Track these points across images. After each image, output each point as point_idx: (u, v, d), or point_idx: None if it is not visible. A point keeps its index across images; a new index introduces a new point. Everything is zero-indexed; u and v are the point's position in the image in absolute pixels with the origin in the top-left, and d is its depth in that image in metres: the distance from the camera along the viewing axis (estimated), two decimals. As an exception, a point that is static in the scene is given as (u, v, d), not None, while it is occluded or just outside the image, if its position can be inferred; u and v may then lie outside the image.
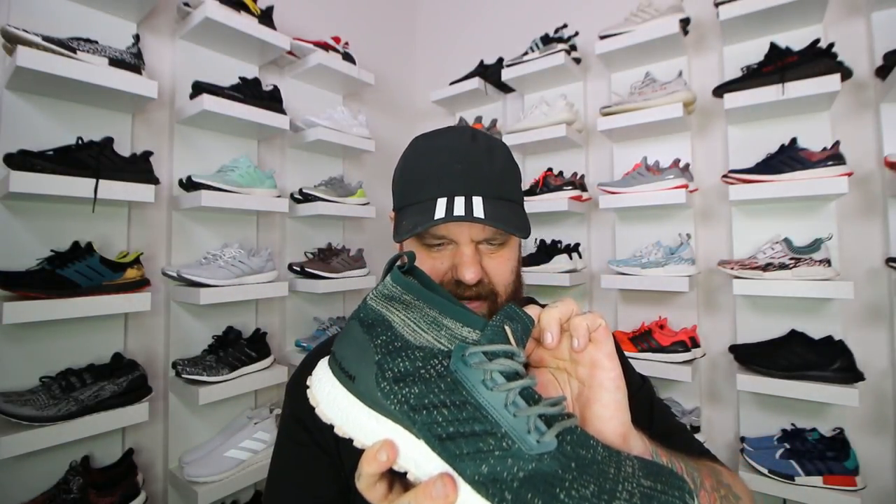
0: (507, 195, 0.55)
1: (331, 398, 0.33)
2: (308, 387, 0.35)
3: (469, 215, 0.49)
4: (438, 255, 0.55)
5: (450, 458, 0.28)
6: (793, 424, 1.31)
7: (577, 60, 1.76)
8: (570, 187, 1.66)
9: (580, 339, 0.36)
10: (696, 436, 1.39)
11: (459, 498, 0.27)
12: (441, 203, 0.51)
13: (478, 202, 0.51)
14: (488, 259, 0.55)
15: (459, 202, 0.50)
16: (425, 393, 0.30)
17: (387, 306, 0.34)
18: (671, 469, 0.30)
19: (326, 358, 0.37)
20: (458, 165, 0.54)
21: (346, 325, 0.37)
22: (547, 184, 1.69)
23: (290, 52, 1.63)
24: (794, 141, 1.32)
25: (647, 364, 1.41)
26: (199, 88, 1.32)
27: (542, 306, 0.69)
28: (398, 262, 0.37)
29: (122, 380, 1.14)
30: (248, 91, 1.42)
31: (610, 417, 0.35)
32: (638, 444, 0.36)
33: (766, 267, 1.30)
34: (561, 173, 1.75)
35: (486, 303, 0.54)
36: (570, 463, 0.28)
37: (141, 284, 1.19)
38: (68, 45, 1.06)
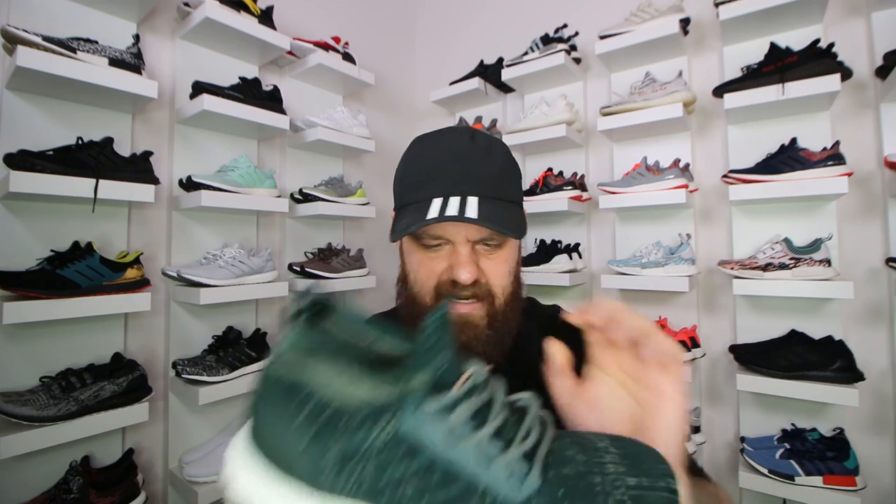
0: (504, 195, 0.55)
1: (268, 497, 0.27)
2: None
3: (461, 215, 0.49)
4: (435, 255, 0.55)
5: None
6: (793, 424, 1.31)
7: (577, 60, 1.76)
8: (570, 187, 1.66)
9: (650, 350, 0.35)
10: (696, 436, 1.40)
11: None
12: (436, 203, 0.51)
13: (472, 202, 0.50)
14: (485, 260, 0.55)
15: (454, 202, 0.50)
16: (380, 470, 0.25)
17: (303, 364, 0.27)
18: (647, 449, 0.30)
19: (245, 436, 0.29)
20: (456, 165, 0.54)
21: (257, 391, 0.28)
22: (547, 184, 1.69)
23: (290, 52, 1.63)
24: (794, 141, 1.32)
25: (647, 364, 1.40)
26: (199, 88, 1.32)
27: (558, 310, 0.69)
28: (305, 305, 0.29)
29: (122, 380, 1.14)
30: (248, 91, 1.42)
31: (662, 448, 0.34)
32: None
33: (766, 267, 1.30)
34: (561, 173, 1.75)
35: (483, 304, 0.54)
36: (558, 491, 0.26)
37: (141, 284, 1.19)
38: (68, 45, 1.06)
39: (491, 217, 0.50)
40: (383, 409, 0.26)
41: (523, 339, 0.62)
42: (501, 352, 0.55)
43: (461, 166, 0.54)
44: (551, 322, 0.66)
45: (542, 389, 0.56)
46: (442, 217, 0.49)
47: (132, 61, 1.16)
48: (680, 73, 1.50)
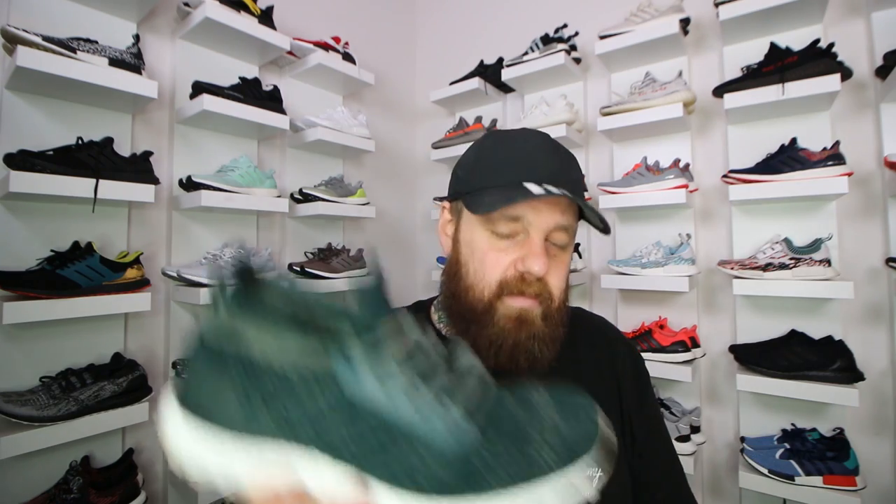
0: (583, 198, 0.55)
1: (193, 446, 0.28)
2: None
3: (566, 193, 0.49)
4: (504, 245, 0.53)
5: (360, 466, 0.26)
6: (793, 424, 1.31)
7: (577, 60, 1.76)
8: (570, 187, 1.66)
9: None
10: (696, 436, 1.40)
11: (386, 500, 0.26)
12: (531, 185, 0.50)
13: (564, 191, 0.51)
14: (551, 259, 0.53)
15: (550, 187, 0.50)
16: (306, 408, 0.26)
17: (238, 324, 0.28)
18: (574, 395, 0.31)
19: (173, 399, 0.30)
20: (548, 158, 0.54)
21: (188, 346, 0.30)
22: (547, 184, 1.69)
23: (290, 52, 1.63)
24: (794, 141, 1.32)
25: (648, 364, 1.39)
26: (199, 88, 1.32)
27: (605, 321, 0.70)
28: (238, 270, 0.29)
29: (122, 380, 1.14)
30: (248, 91, 1.42)
31: None
32: None
33: (766, 267, 1.30)
34: (561, 173, 1.75)
35: (541, 306, 0.52)
36: (497, 447, 0.27)
37: (141, 284, 1.19)
38: (68, 45, 1.06)
39: (584, 204, 0.51)
40: (311, 357, 0.26)
41: (571, 345, 0.61)
42: (553, 353, 0.54)
43: (553, 160, 0.54)
44: (598, 333, 0.67)
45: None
46: (549, 192, 0.49)
47: (132, 61, 1.16)
48: (680, 73, 1.50)
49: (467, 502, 0.25)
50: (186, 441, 0.28)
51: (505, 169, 0.53)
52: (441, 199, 1.93)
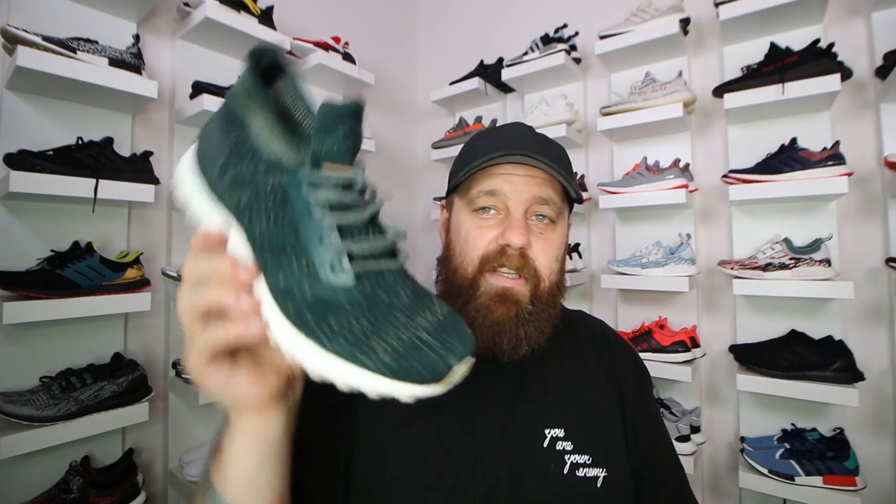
0: (566, 171, 0.56)
1: (185, 185, 0.36)
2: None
3: (530, 157, 0.51)
4: (485, 221, 0.54)
5: (261, 263, 0.31)
6: (793, 424, 1.31)
7: (577, 60, 1.76)
8: (570, 187, 1.66)
9: None
10: (696, 436, 1.40)
11: (264, 301, 0.30)
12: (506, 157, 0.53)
13: (530, 155, 0.53)
14: (536, 237, 0.54)
15: (518, 154, 0.52)
16: (253, 201, 0.31)
17: (247, 104, 0.32)
18: (464, 329, 0.32)
19: (193, 148, 0.37)
20: (526, 139, 0.56)
21: (215, 113, 0.36)
22: (547, 184, 1.69)
23: (290, 52, 1.63)
24: (794, 141, 1.32)
25: (648, 364, 1.39)
26: (199, 88, 1.32)
27: (605, 324, 0.71)
28: (267, 56, 0.33)
29: (122, 380, 1.14)
30: (248, 91, 1.42)
31: None
32: None
33: (766, 267, 1.30)
34: (561, 173, 1.75)
35: (527, 284, 0.53)
36: (363, 301, 0.29)
37: (141, 284, 1.19)
38: (68, 45, 1.06)
39: (556, 171, 0.52)
40: (280, 166, 0.31)
41: (574, 345, 0.62)
42: (541, 335, 0.54)
43: (532, 141, 0.56)
44: (598, 334, 0.67)
45: (564, 395, 0.57)
46: (510, 152, 0.51)
47: (132, 61, 1.16)
48: (680, 73, 1.50)
49: (308, 344, 0.28)
50: (185, 179, 0.36)
51: (481, 151, 0.55)
52: (440, 199, 1.93)
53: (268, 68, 0.34)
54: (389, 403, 0.53)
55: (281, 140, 0.32)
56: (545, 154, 0.53)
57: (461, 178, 0.55)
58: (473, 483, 0.50)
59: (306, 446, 0.46)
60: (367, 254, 0.31)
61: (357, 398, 0.52)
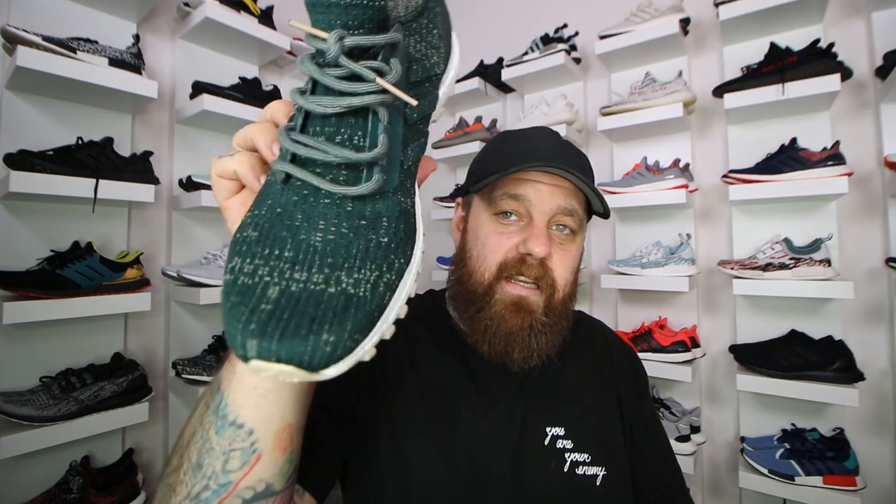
0: (593, 185, 0.55)
1: None
2: None
3: (560, 168, 0.50)
4: (506, 227, 0.53)
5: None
6: (793, 424, 1.31)
7: (577, 60, 1.76)
8: (570, 187, 1.66)
9: None
10: (696, 436, 1.40)
11: None
12: (531, 162, 0.52)
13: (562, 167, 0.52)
14: (556, 248, 0.53)
15: (548, 165, 0.51)
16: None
17: None
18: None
19: None
20: (556, 147, 0.55)
21: None
22: (547, 184, 1.69)
23: (290, 52, 1.63)
24: (794, 141, 1.32)
25: (648, 364, 1.38)
26: (198, 88, 1.32)
27: (604, 326, 0.71)
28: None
29: (122, 380, 1.14)
30: (248, 91, 1.42)
31: None
32: None
33: (766, 267, 1.30)
34: (561, 173, 1.75)
35: (543, 294, 0.52)
36: (278, 207, 0.26)
37: (141, 284, 1.19)
38: (68, 45, 1.06)
39: (587, 185, 0.52)
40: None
41: (573, 346, 0.61)
42: (552, 348, 0.53)
43: (563, 151, 0.55)
44: (597, 335, 0.67)
45: (564, 395, 0.58)
46: (545, 162, 0.50)
47: (132, 61, 1.16)
48: (680, 73, 1.50)
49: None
50: None
51: (509, 155, 0.54)
52: (441, 198, 1.93)
53: None
54: (404, 390, 0.53)
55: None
56: (575, 166, 0.52)
57: (491, 180, 0.53)
58: (478, 479, 0.50)
59: (328, 400, 0.46)
60: (305, 153, 0.26)
61: (376, 375, 0.53)
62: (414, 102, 0.27)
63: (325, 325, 0.22)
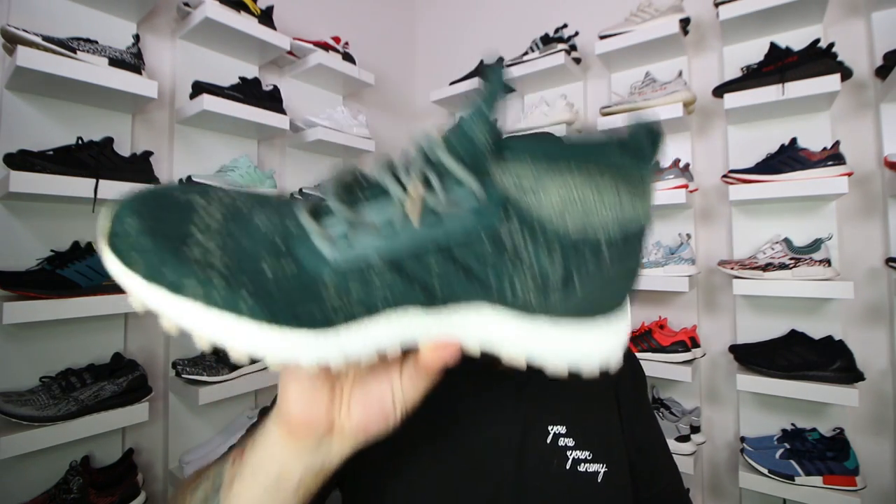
0: None
1: None
2: None
3: None
4: None
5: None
6: (793, 424, 1.31)
7: (577, 60, 1.76)
8: (570, 187, 1.66)
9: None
10: (696, 436, 1.40)
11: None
12: None
13: None
14: None
15: None
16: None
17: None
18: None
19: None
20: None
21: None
22: (547, 184, 1.69)
23: (290, 52, 1.62)
24: (794, 141, 1.32)
25: (647, 364, 1.40)
26: (199, 88, 1.32)
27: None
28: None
29: (122, 380, 1.14)
30: (248, 91, 1.42)
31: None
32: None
33: (766, 267, 1.30)
34: (561, 173, 1.75)
35: None
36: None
37: (141, 284, 1.19)
38: (68, 45, 1.06)
39: None
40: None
41: None
42: None
43: None
44: None
45: (564, 392, 0.58)
46: None
47: (132, 61, 1.16)
48: (680, 73, 1.50)
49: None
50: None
51: None
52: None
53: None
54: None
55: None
56: None
57: None
58: (482, 478, 0.51)
59: None
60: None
61: None
62: None
63: None
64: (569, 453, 0.53)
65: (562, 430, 0.55)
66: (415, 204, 0.26)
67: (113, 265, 0.25)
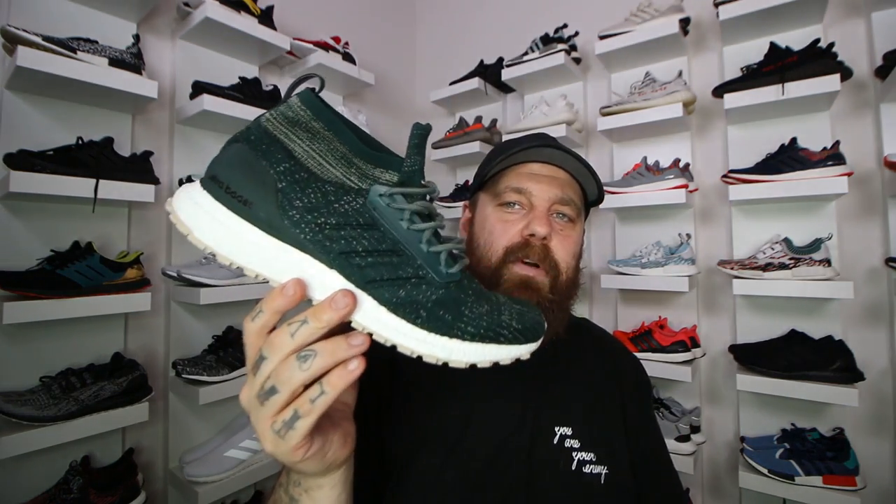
0: (591, 170, 0.60)
1: (216, 222, 0.29)
2: (169, 212, 0.31)
3: (561, 158, 0.57)
4: (510, 215, 0.58)
5: (366, 285, 0.30)
6: (793, 424, 1.31)
7: (577, 60, 1.76)
8: (570, 187, 1.66)
9: None
10: (696, 436, 1.40)
11: (379, 318, 0.30)
12: (537, 149, 0.57)
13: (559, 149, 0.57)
14: (556, 233, 0.58)
15: (554, 154, 0.57)
16: (342, 225, 0.30)
17: (287, 132, 0.31)
18: (527, 301, 0.38)
19: (195, 182, 0.32)
20: (553, 141, 0.60)
21: (225, 147, 0.33)
22: (547, 184, 1.69)
23: (290, 52, 1.62)
24: (794, 141, 1.32)
25: (647, 364, 1.39)
26: (199, 88, 1.32)
27: (608, 333, 0.73)
28: (309, 83, 0.33)
29: (122, 380, 1.14)
30: (248, 91, 1.42)
31: None
32: None
33: (766, 267, 1.30)
34: (561, 173, 1.75)
35: (548, 276, 0.56)
36: (469, 290, 0.33)
37: (141, 284, 1.19)
38: (68, 45, 1.06)
39: (583, 164, 0.58)
40: (351, 188, 0.31)
41: (579, 351, 0.64)
42: (559, 325, 0.57)
43: (555, 145, 0.60)
44: (602, 340, 0.70)
45: (571, 395, 0.59)
46: (544, 142, 0.57)
47: (132, 61, 1.16)
48: (680, 73, 1.50)
49: (447, 341, 0.30)
50: (222, 225, 0.30)
51: (511, 154, 0.59)
52: (442, 199, 1.93)
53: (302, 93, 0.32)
54: (414, 403, 0.54)
55: (338, 166, 0.32)
56: (570, 154, 0.58)
57: (494, 168, 0.59)
58: (493, 480, 0.51)
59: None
60: (458, 250, 0.34)
61: (387, 394, 0.55)
62: None
63: None
64: (574, 454, 0.55)
65: (568, 431, 0.56)
66: None
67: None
